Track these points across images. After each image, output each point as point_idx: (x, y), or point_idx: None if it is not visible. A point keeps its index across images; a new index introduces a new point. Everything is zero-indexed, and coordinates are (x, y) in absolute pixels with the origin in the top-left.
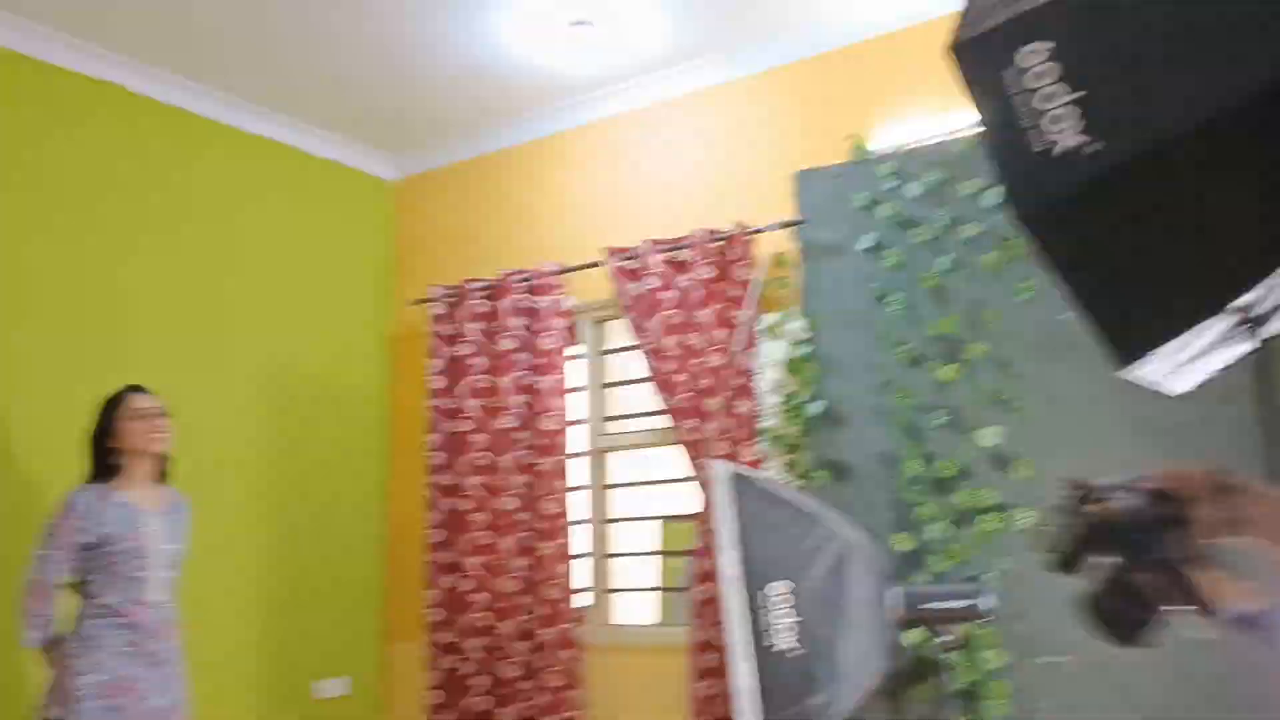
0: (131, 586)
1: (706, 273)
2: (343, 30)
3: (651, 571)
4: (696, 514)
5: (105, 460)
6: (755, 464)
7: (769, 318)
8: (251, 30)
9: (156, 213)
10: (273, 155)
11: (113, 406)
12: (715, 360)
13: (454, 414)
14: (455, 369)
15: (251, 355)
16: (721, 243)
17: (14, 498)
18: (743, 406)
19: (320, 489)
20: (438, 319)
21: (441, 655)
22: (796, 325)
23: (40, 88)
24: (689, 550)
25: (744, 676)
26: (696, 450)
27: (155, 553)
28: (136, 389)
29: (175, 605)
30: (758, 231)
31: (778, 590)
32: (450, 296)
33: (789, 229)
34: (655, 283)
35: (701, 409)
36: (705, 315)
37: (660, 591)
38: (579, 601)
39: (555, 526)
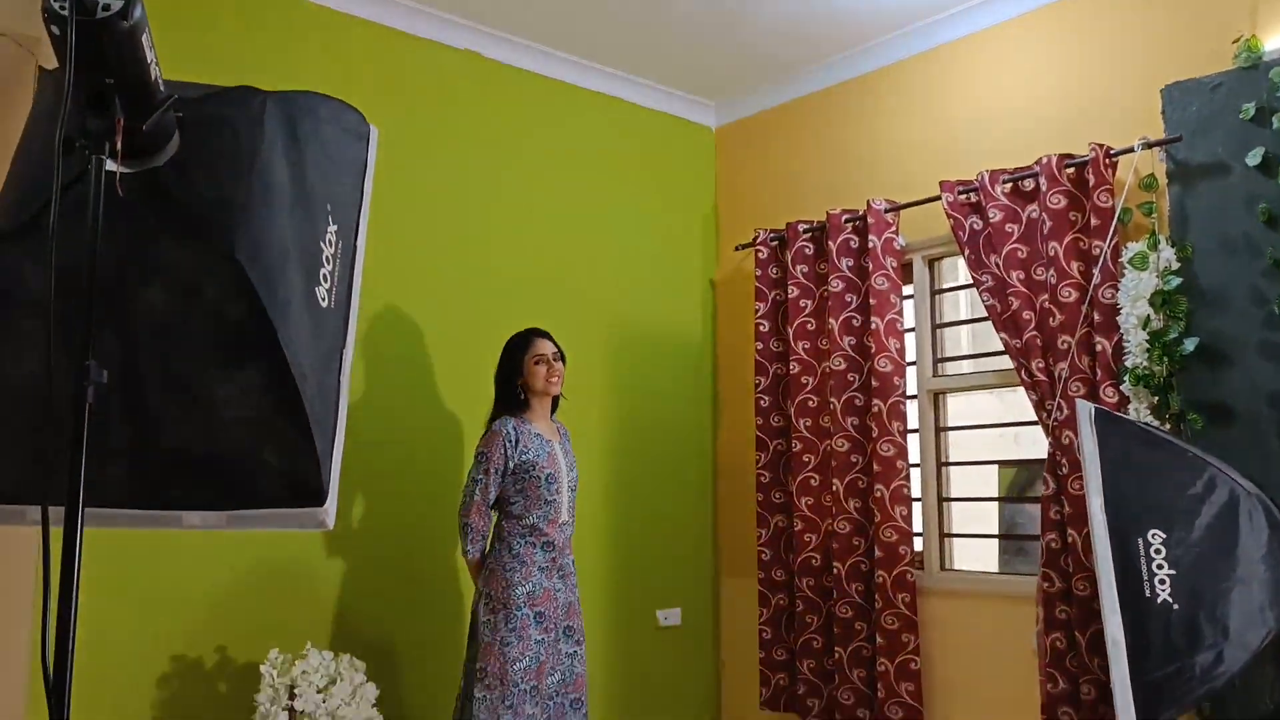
0: (549, 508)
1: (1058, 202)
2: None
3: (989, 518)
4: (1042, 460)
5: (515, 395)
6: (1116, 406)
7: (1132, 247)
8: None
9: (511, 171)
10: (607, 109)
11: (519, 349)
12: (1069, 295)
13: (781, 357)
14: (782, 311)
15: (593, 304)
16: (1075, 168)
17: (434, 427)
18: (1101, 344)
19: (655, 431)
20: (763, 262)
21: (773, 592)
22: (1165, 254)
23: (417, 62)
24: (1034, 497)
25: (1116, 629)
26: (1044, 392)
27: (564, 478)
28: (539, 333)
29: (574, 526)
30: (1119, 153)
31: (1156, 538)
32: (775, 240)
33: (1155, 149)
34: (997, 215)
35: (1052, 347)
36: (1056, 248)
37: (999, 539)
38: (916, 546)
39: (891, 469)
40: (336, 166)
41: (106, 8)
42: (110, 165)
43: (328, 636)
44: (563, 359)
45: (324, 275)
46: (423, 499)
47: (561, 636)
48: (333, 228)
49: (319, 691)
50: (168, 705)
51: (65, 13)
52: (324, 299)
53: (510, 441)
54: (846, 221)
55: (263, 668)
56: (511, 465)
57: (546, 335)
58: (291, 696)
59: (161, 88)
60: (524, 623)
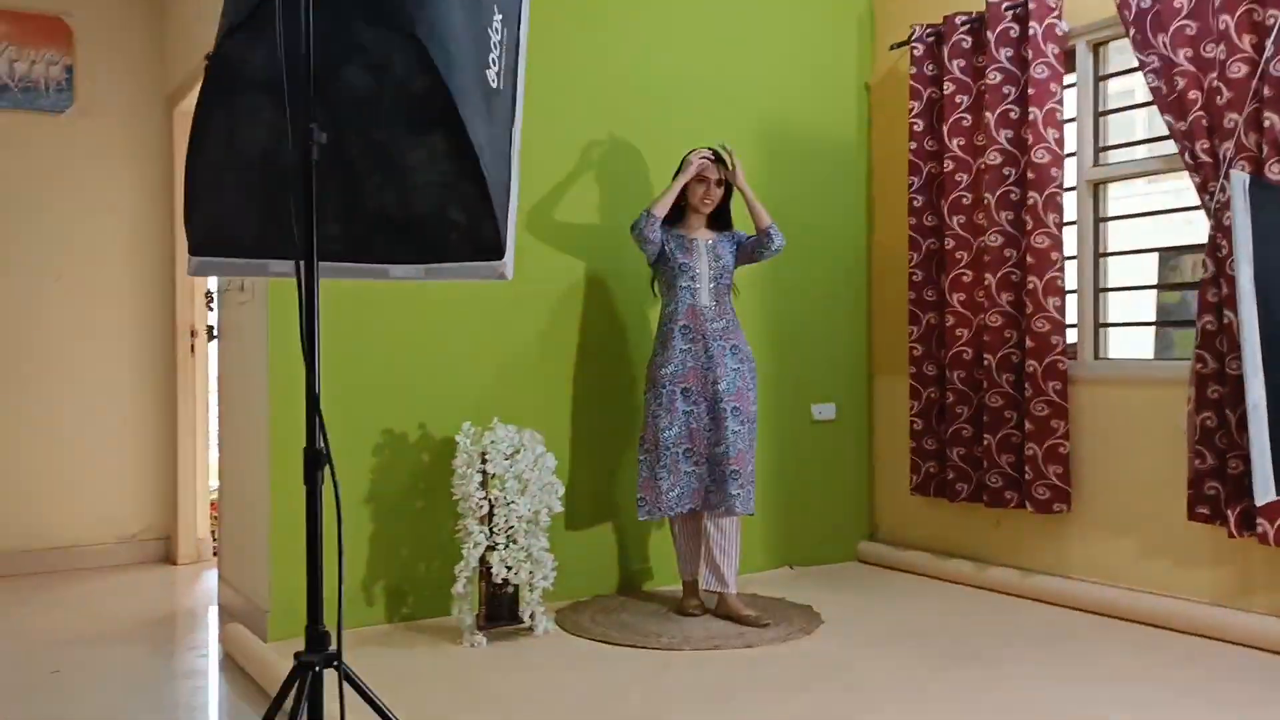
0: (685, 294)
1: None
2: None
3: (1146, 307)
4: (1202, 245)
5: (676, 204)
6: None
7: None
8: None
9: None
10: None
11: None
12: (1239, 71)
13: (935, 155)
14: (937, 109)
15: (745, 106)
16: None
17: (600, 235)
18: (1270, 120)
19: (809, 234)
20: (918, 60)
21: (924, 386)
22: None
23: None
24: (1192, 283)
25: (1258, 392)
26: (1208, 175)
27: (704, 268)
28: (714, 156)
29: (728, 315)
30: None
31: None
32: (931, 35)
33: None
34: None
35: (1217, 127)
36: (1228, 20)
37: (1156, 326)
38: (1070, 337)
39: (1045, 261)
40: None
41: None
42: None
43: (513, 414)
44: (726, 187)
45: (492, 59)
46: (598, 302)
47: (729, 415)
48: (498, 16)
49: (506, 458)
50: (381, 470)
51: None
52: (494, 81)
53: (660, 230)
54: (1007, 9)
55: (458, 437)
56: (660, 258)
57: (716, 159)
58: (484, 462)
59: None
60: (670, 398)
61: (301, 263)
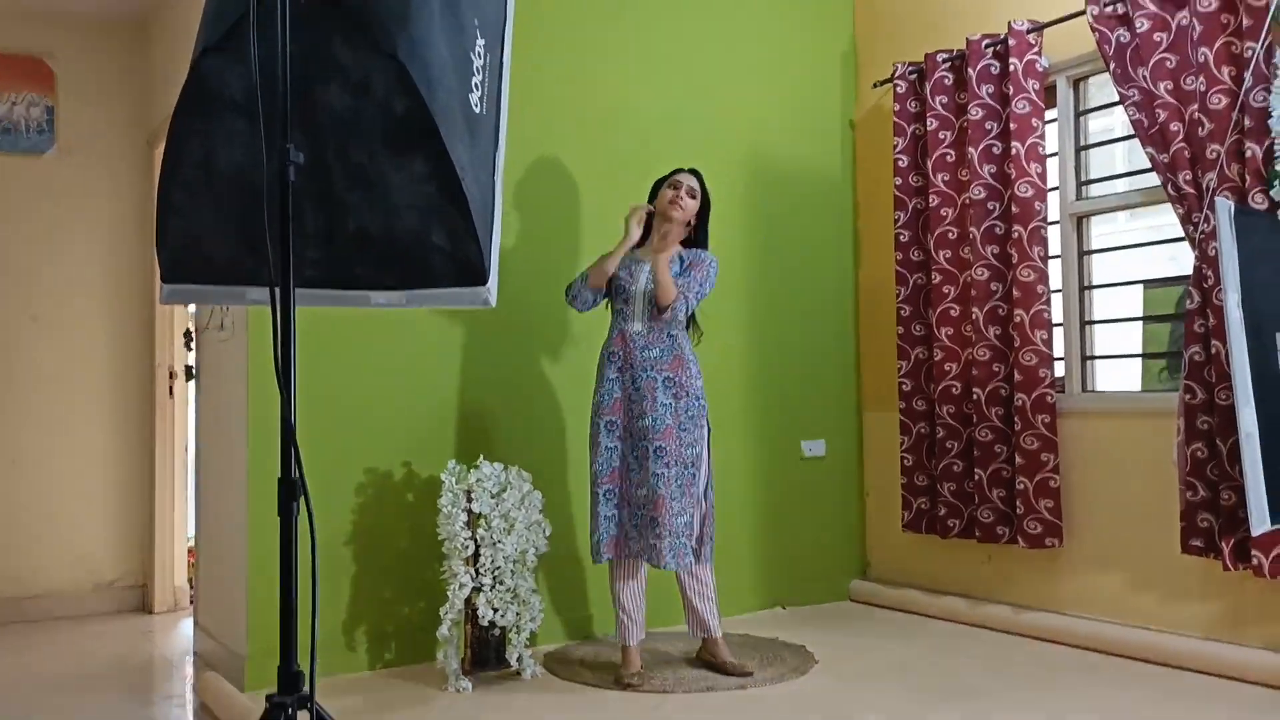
0: (618, 319)
1: (1209, 4)
2: None
3: (1133, 338)
4: (1186, 276)
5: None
6: (1268, 211)
7: None
8: None
9: (653, 12)
10: None
11: (662, 179)
12: (1219, 102)
13: (920, 191)
14: (921, 145)
15: (730, 143)
16: None
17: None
18: (1251, 150)
19: (797, 270)
20: (901, 97)
21: (914, 421)
22: None
23: None
24: (1177, 315)
25: (1249, 421)
26: (1191, 205)
27: (637, 290)
28: (688, 170)
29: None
30: None
31: None
32: (913, 73)
33: None
34: (1145, 25)
35: (1200, 158)
36: (1207, 53)
37: (1143, 358)
38: (1057, 369)
39: (1031, 294)
40: None
41: None
42: None
43: (499, 452)
44: (703, 200)
45: (475, 84)
46: (569, 336)
47: (651, 455)
48: (481, 41)
49: (492, 497)
50: (364, 510)
51: None
52: (477, 105)
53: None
54: (987, 47)
55: (444, 475)
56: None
57: (694, 173)
58: (469, 501)
59: None
60: (595, 431)
61: (277, 289)
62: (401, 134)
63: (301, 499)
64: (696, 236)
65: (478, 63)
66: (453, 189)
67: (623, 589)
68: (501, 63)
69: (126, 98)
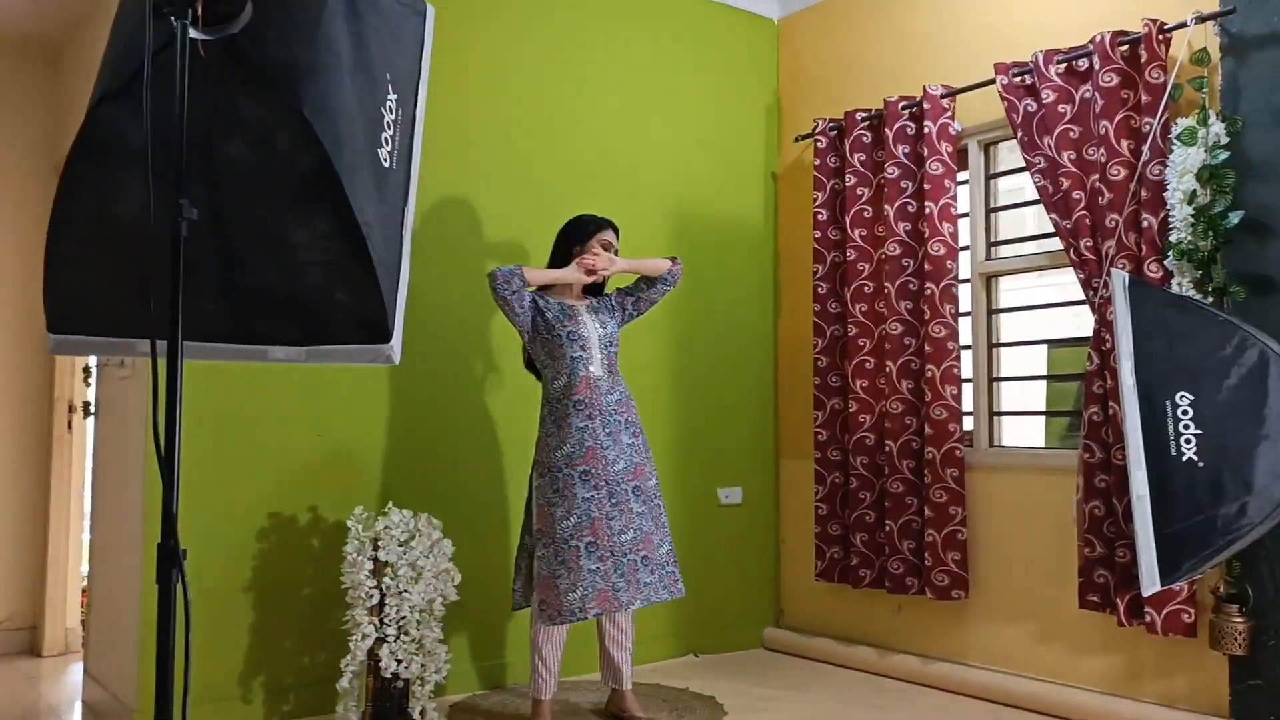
0: (577, 365)
1: (1110, 80)
2: None
3: (1038, 396)
4: (1088, 338)
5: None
6: (1161, 281)
7: (1182, 123)
8: None
9: (573, 60)
10: (665, 2)
11: (581, 233)
12: (1118, 173)
13: (839, 244)
14: (840, 200)
15: (654, 191)
16: (1128, 45)
17: (492, 308)
18: (1147, 221)
19: (717, 318)
20: (822, 152)
21: (828, 471)
22: (1215, 129)
23: None
24: (1079, 375)
25: (1140, 484)
26: (1091, 271)
27: (592, 334)
28: (606, 224)
29: (621, 387)
30: (1174, 29)
31: (1183, 400)
32: (834, 129)
33: (1209, 22)
34: (1051, 96)
35: (1100, 226)
36: (1107, 126)
37: (1046, 416)
38: (966, 424)
39: (943, 350)
40: (395, 39)
41: None
42: (193, 32)
43: (410, 498)
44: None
45: (385, 139)
46: (480, 382)
47: (630, 496)
48: (393, 96)
49: (400, 545)
50: (267, 555)
51: None
52: (386, 160)
53: (526, 302)
54: (904, 109)
55: (349, 522)
56: (536, 328)
57: (612, 226)
58: (376, 549)
59: None
60: (567, 483)
61: (163, 343)
62: (306, 190)
63: (177, 569)
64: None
65: (388, 117)
66: (357, 246)
67: (546, 641)
68: (415, 116)
69: (35, 122)
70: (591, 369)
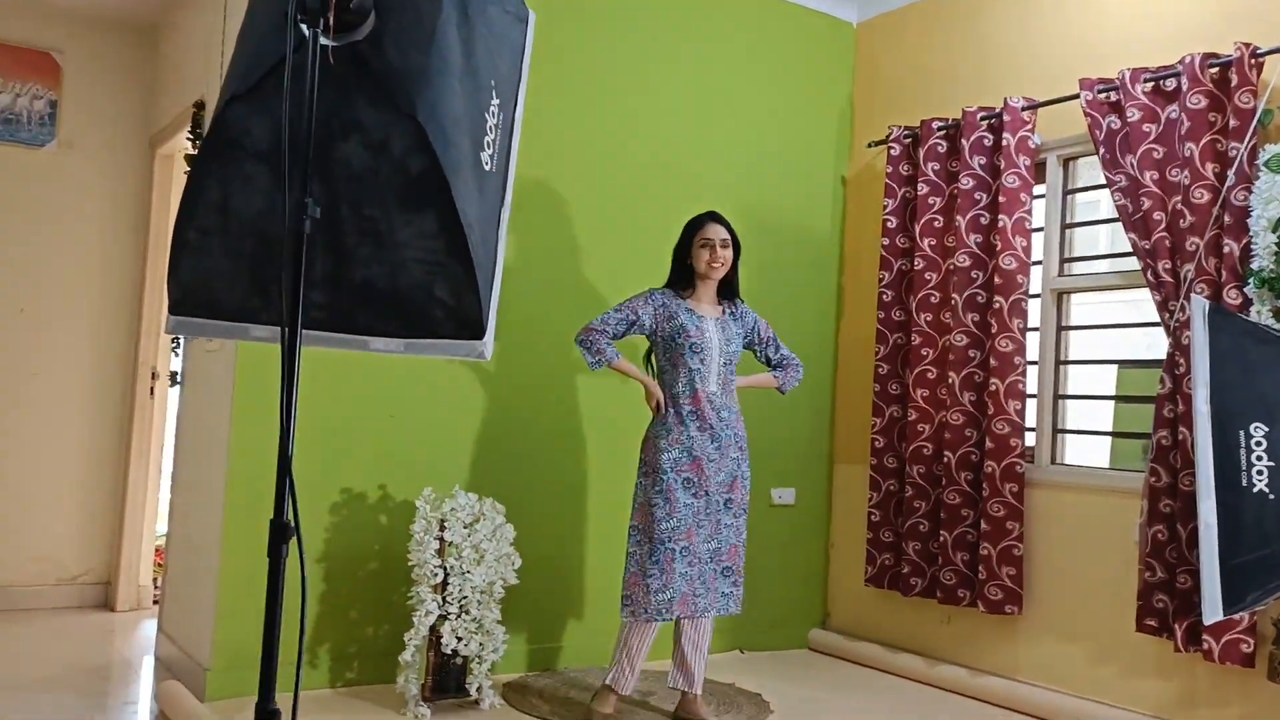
0: (694, 377)
1: (1198, 102)
2: None
3: (1105, 416)
4: (1159, 360)
5: (683, 274)
6: (1239, 308)
7: (1269, 149)
8: None
9: (655, 61)
10: (744, 3)
11: (690, 230)
12: (1201, 197)
13: (906, 253)
14: (910, 208)
15: (727, 190)
16: (1218, 68)
17: (575, 299)
18: (1229, 246)
19: (778, 320)
20: (894, 159)
21: (883, 477)
22: None
23: None
24: (1148, 397)
25: (1209, 512)
26: (1168, 293)
27: (713, 350)
28: (713, 217)
29: (733, 402)
30: (1266, 54)
31: (1258, 431)
32: (908, 137)
33: None
34: (1136, 115)
35: (1179, 248)
36: (1193, 148)
37: (1113, 436)
38: (1028, 440)
39: (1008, 365)
40: (499, 45)
41: None
42: (323, 40)
43: (474, 482)
44: (734, 247)
45: (487, 142)
46: (557, 376)
47: (722, 508)
48: (495, 100)
49: (465, 527)
50: (337, 529)
51: None
52: (487, 163)
53: (655, 303)
54: (982, 119)
55: (418, 502)
56: (660, 331)
57: (720, 220)
58: (442, 529)
59: None
60: (670, 486)
61: (285, 330)
62: (415, 192)
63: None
64: (731, 279)
65: (490, 121)
66: (459, 245)
67: (642, 642)
68: (514, 120)
69: (131, 98)
70: (709, 385)
